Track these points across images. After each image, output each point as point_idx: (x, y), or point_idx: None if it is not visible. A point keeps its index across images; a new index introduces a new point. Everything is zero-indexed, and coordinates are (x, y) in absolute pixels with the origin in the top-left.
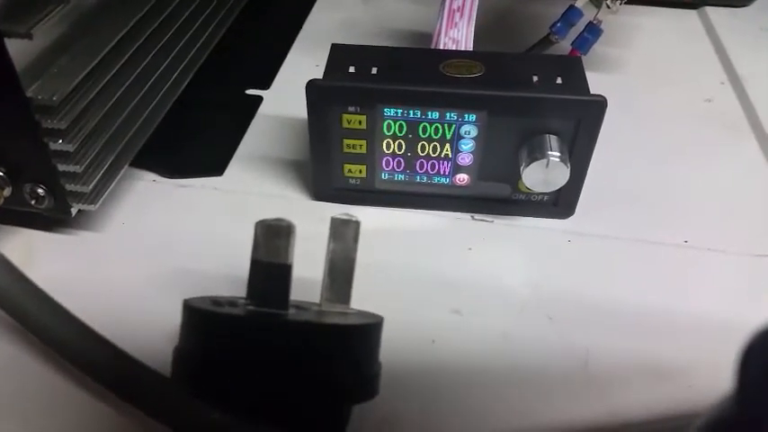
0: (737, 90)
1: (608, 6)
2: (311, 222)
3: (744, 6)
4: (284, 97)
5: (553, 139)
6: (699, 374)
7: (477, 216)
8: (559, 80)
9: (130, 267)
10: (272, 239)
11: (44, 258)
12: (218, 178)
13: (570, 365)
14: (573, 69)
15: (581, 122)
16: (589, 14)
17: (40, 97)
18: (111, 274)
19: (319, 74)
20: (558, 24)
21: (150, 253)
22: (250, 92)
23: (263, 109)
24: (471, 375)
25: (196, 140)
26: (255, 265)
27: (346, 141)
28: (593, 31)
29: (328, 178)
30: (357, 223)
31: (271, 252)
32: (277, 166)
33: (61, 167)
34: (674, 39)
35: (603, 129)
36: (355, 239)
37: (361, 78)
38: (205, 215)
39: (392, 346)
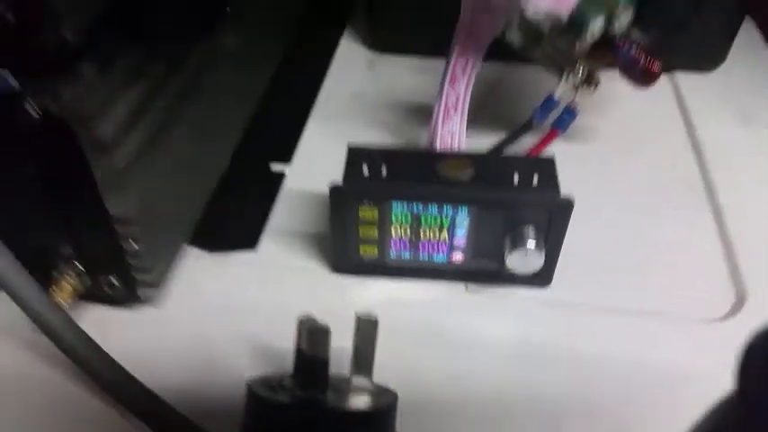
0: (698, 156)
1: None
2: (333, 292)
3: (711, 71)
4: (305, 173)
5: (530, 231)
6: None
7: (470, 286)
8: (536, 180)
9: (186, 339)
10: (313, 338)
11: (113, 332)
12: (253, 252)
13: (552, 416)
14: (547, 170)
15: (553, 217)
16: (567, 96)
17: (120, 213)
18: (171, 346)
19: (335, 151)
20: (539, 111)
21: (202, 325)
22: (275, 167)
23: (287, 183)
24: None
25: (230, 216)
26: (299, 353)
27: (362, 228)
28: (570, 112)
29: (346, 256)
30: (376, 321)
31: (311, 347)
32: (302, 239)
33: (132, 262)
34: (645, 104)
35: (578, 199)
36: (375, 332)
37: (374, 180)
38: (245, 288)
39: (400, 406)
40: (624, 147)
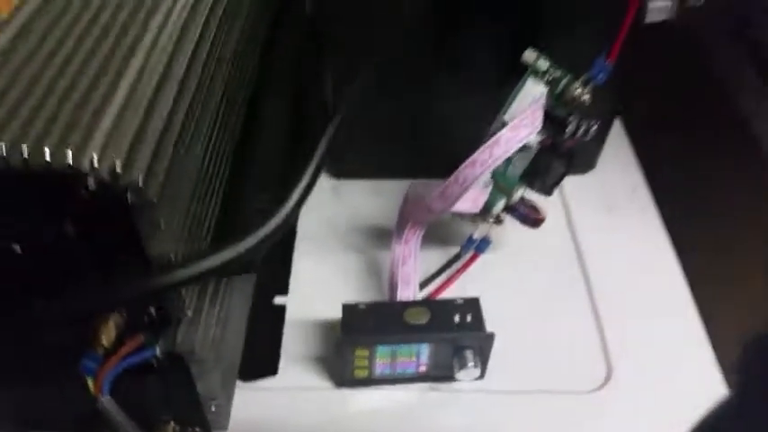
0: (580, 260)
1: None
2: (339, 401)
3: (585, 173)
4: (302, 304)
5: (470, 355)
6: None
7: (432, 385)
8: (469, 318)
9: None
10: None
11: None
12: (275, 378)
13: None
14: (475, 310)
15: (482, 344)
16: (483, 231)
17: (207, 392)
18: None
19: (320, 279)
20: (465, 246)
21: None
22: (277, 300)
23: (289, 314)
24: None
25: (252, 347)
26: None
27: (356, 360)
28: (486, 240)
29: (345, 376)
30: None
31: None
32: (310, 361)
33: (211, 418)
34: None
35: (487, 298)
36: None
37: (365, 331)
38: (274, 407)
39: None
40: (520, 244)
